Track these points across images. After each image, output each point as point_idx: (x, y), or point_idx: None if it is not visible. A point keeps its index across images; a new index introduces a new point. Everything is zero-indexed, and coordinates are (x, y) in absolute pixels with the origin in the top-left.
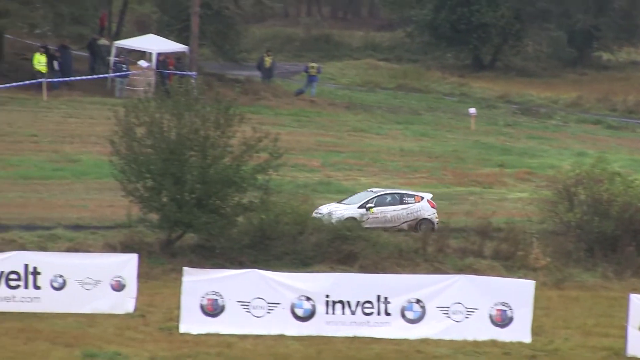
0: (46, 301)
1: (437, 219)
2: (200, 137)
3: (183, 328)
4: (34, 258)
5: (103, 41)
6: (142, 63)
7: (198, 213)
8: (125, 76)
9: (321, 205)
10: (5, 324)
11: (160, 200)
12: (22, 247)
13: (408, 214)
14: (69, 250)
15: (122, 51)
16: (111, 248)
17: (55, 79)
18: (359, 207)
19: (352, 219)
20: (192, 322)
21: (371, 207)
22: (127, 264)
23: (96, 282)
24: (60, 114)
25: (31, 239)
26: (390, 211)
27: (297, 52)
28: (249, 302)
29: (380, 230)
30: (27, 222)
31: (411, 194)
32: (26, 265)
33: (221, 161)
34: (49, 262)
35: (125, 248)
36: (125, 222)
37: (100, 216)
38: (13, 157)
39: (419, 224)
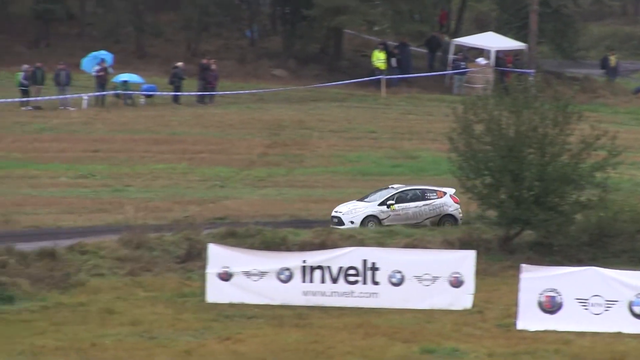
0: (384, 297)
1: (461, 215)
2: (539, 134)
3: (520, 325)
4: (372, 254)
5: (444, 39)
6: (481, 60)
7: (536, 210)
8: (464, 73)
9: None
10: (344, 319)
11: (499, 197)
12: (361, 243)
13: (430, 210)
14: (407, 246)
15: (460, 48)
16: (449, 244)
17: (393, 76)
18: (380, 205)
19: (373, 216)
20: (529, 319)
21: (392, 204)
22: (465, 261)
23: (434, 279)
24: (398, 110)
25: (370, 234)
26: (412, 207)
27: (636, 50)
28: (586, 300)
29: None
30: None
31: (433, 190)
32: (365, 261)
33: (559, 159)
34: (388, 258)
35: (463, 245)
36: (464, 219)
37: None
38: (352, 153)
39: (442, 220)
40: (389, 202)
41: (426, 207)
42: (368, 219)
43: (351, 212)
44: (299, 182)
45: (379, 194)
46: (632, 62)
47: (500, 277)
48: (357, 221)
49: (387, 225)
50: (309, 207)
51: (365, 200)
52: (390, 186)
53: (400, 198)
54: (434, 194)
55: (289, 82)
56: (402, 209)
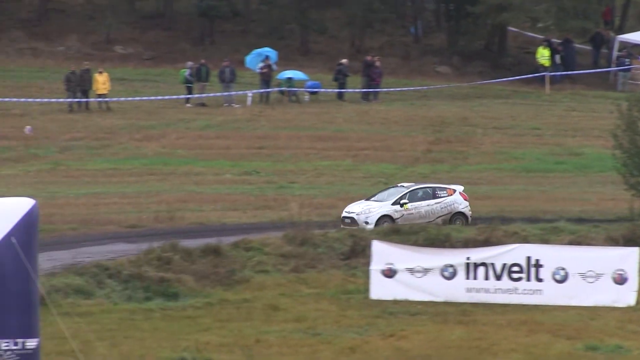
0: (548, 294)
1: (471, 212)
2: None
3: None
4: (536, 251)
5: (609, 35)
6: None
7: None
8: (628, 70)
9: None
10: (507, 316)
11: None
12: (525, 240)
13: (442, 207)
14: (570, 243)
15: (625, 45)
16: (613, 241)
17: (557, 73)
18: (393, 204)
19: (387, 216)
20: None
21: (405, 203)
22: (629, 257)
23: (598, 275)
24: (562, 107)
25: (534, 231)
26: (425, 206)
27: None
28: None
29: None
30: (530, 214)
31: (443, 187)
32: (528, 258)
33: None
34: (551, 255)
35: (627, 241)
36: (627, 216)
37: (602, 209)
38: (516, 150)
39: (454, 217)
40: (402, 201)
41: (438, 205)
42: (383, 219)
43: (365, 212)
44: (463, 178)
45: (387, 192)
46: None
47: None
48: (372, 221)
49: (400, 225)
50: (473, 204)
51: (374, 199)
52: (399, 185)
53: (411, 197)
54: (444, 192)
55: (452, 79)
56: (415, 207)
